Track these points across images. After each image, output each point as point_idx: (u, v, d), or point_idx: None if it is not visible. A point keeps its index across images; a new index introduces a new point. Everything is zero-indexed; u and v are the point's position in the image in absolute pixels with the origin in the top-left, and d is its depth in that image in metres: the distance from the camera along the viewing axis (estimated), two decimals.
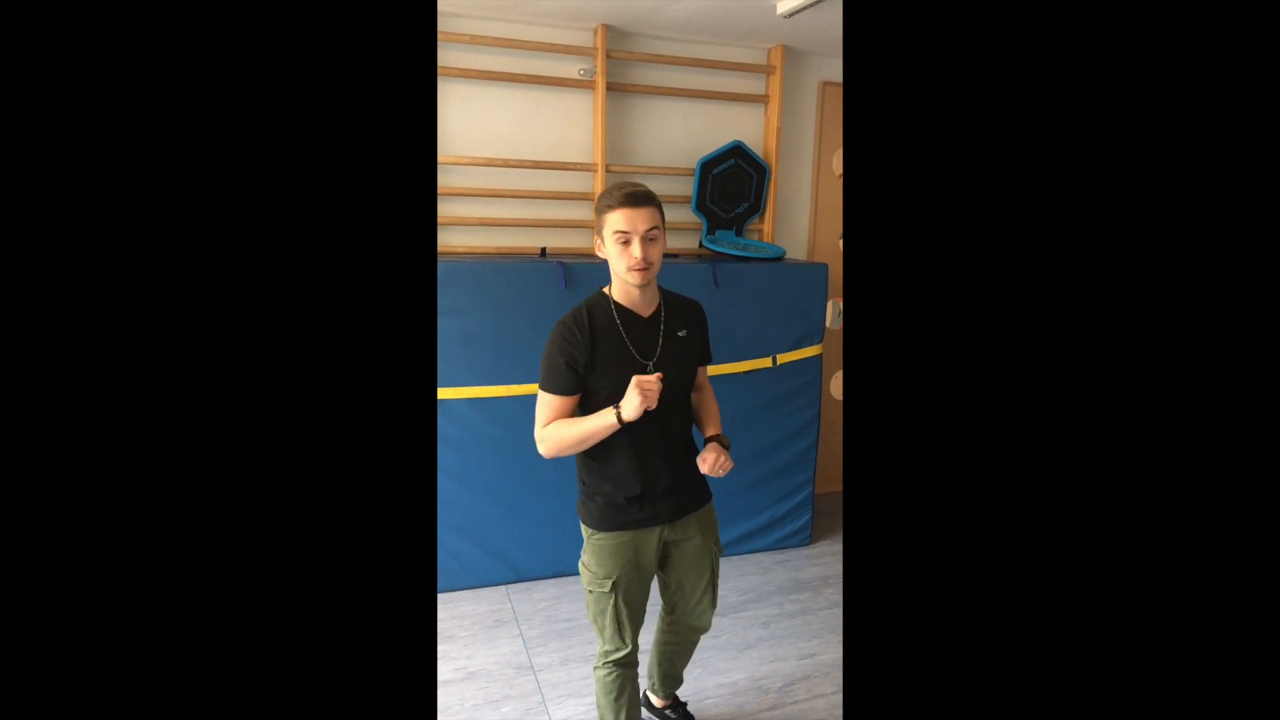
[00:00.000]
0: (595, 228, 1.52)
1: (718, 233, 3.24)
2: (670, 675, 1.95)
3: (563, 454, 1.53)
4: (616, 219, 1.45)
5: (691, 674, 2.30)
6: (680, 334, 1.60)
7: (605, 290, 1.58)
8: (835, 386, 3.72)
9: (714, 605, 1.75)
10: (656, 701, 2.04)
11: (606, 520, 1.59)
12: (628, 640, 1.67)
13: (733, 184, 3.19)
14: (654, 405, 1.43)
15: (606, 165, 3.02)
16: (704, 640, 2.48)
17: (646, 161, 3.16)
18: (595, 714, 2.04)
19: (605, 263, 1.53)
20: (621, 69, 3.05)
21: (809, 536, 3.23)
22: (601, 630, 1.68)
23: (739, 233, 3.28)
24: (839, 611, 2.70)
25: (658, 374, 1.47)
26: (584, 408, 1.56)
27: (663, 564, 1.71)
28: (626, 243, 1.46)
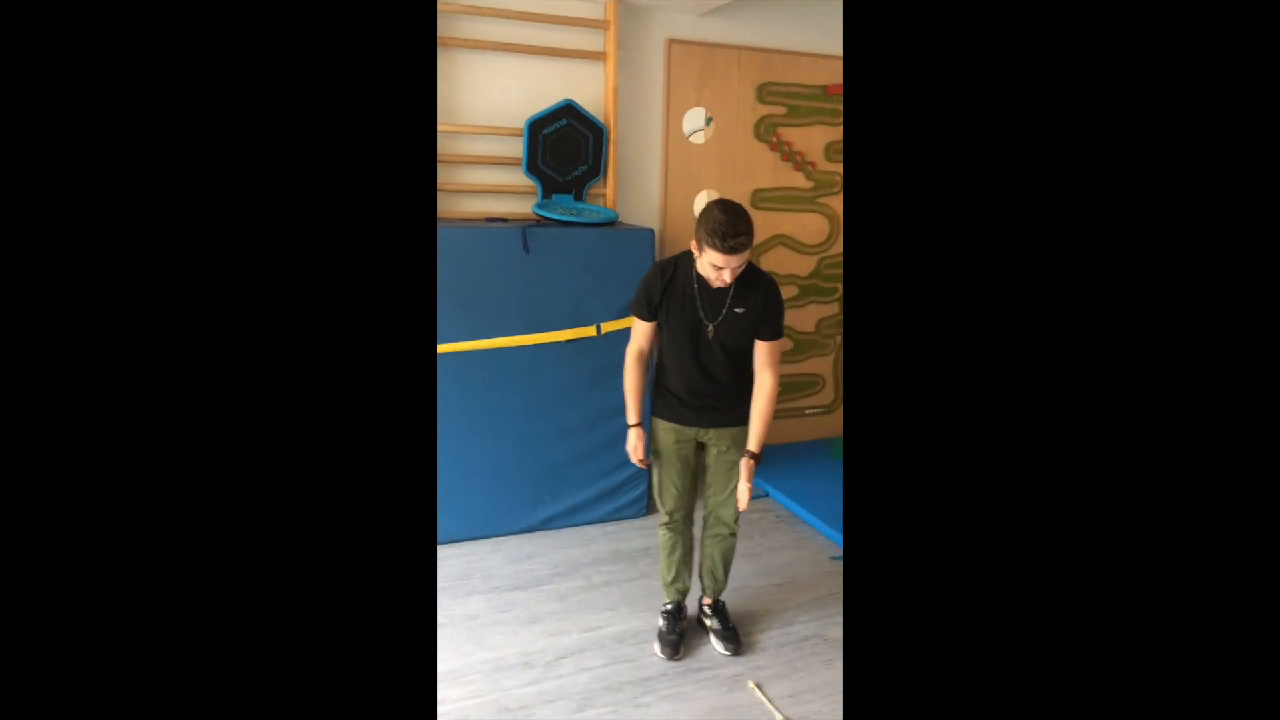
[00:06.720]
0: (696, 237, 1.93)
1: (555, 196, 3.12)
2: (711, 573, 2.40)
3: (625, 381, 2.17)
4: (715, 257, 1.88)
5: (461, 650, 2.25)
6: (738, 310, 2.03)
7: (695, 254, 1.98)
8: None
9: (736, 506, 2.17)
10: (705, 601, 2.46)
11: (655, 409, 2.24)
12: (668, 507, 2.28)
13: (566, 145, 3.07)
14: (637, 461, 2.23)
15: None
16: (490, 615, 2.44)
17: (476, 120, 3.02)
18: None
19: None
20: (449, 22, 2.90)
21: (645, 508, 3.18)
22: (659, 496, 2.29)
23: (578, 196, 3.16)
24: (645, 583, 2.66)
25: (640, 458, 2.22)
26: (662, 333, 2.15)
27: (702, 466, 2.29)
28: (718, 269, 1.91)
